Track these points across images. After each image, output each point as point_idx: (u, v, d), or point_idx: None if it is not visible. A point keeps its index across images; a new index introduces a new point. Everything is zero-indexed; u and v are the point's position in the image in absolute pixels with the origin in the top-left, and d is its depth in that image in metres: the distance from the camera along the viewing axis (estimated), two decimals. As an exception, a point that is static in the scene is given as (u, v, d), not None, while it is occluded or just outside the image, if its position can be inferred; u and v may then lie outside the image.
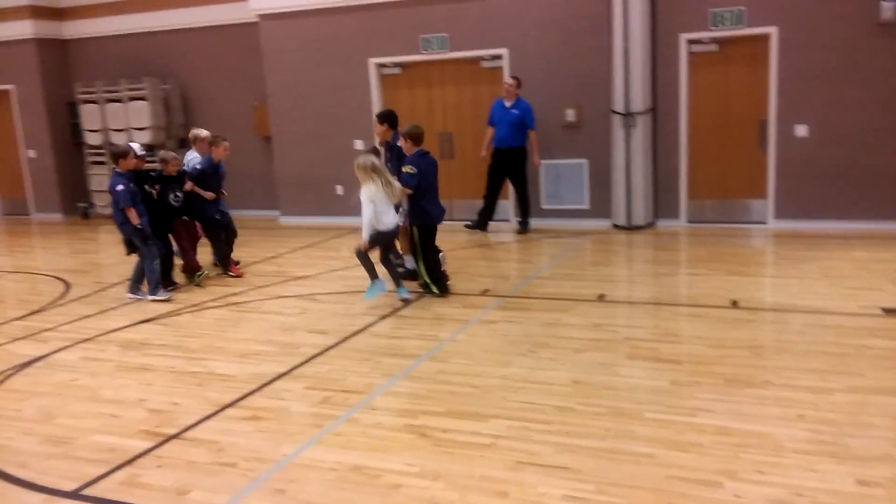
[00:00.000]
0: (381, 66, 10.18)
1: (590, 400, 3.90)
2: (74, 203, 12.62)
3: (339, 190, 10.56)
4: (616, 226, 9.01)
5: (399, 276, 6.35)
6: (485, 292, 6.31)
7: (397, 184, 6.15)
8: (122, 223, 6.62)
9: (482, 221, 9.38)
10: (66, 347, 5.38)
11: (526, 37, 9.27)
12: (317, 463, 3.41)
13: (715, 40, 8.61)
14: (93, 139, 11.93)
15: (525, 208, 9.26)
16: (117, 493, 3.22)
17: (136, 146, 6.97)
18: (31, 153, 12.76)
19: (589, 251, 8.08)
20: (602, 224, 9.14)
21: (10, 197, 13.34)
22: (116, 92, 11.69)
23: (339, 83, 10.34)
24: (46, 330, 5.86)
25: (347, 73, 10.26)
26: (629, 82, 8.64)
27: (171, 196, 7.02)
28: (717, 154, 8.84)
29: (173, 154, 7.27)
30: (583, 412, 3.75)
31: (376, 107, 10.19)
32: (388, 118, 7.16)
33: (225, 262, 7.57)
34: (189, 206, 7.20)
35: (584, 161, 9.27)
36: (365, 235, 6.00)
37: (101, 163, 12.02)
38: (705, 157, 8.89)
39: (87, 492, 3.25)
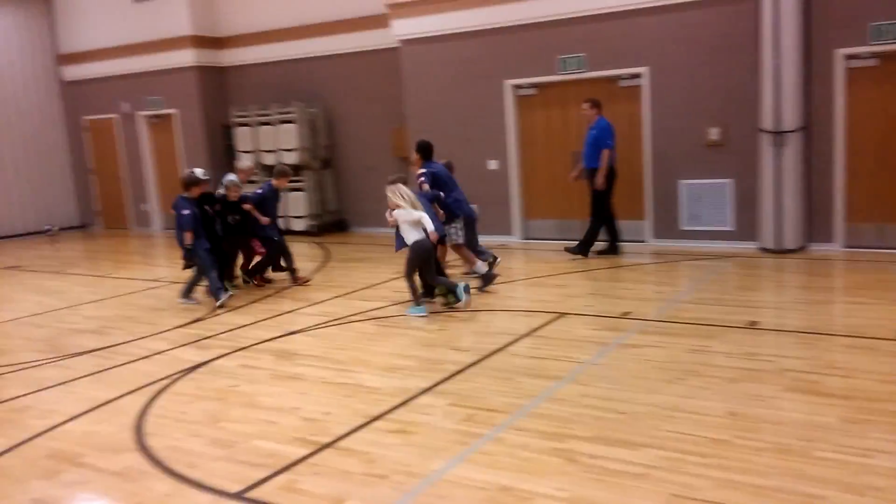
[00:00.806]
0: (518, 87, 10.24)
1: (749, 434, 3.71)
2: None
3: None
4: (764, 249, 8.57)
5: (451, 283, 6.83)
6: (625, 315, 6.17)
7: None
8: (183, 242, 7.49)
9: (584, 246, 8.98)
10: (225, 355, 5.73)
11: (666, 54, 9.05)
12: (465, 481, 3.44)
13: (875, 55, 8.05)
14: (245, 160, 12.71)
15: (590, 232, 8.88)
16: (278, 498, 3.38)
17: (199, 171, 7.85)
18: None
19: (735, 275, 7.73)
20: (747, 247, 8.72)
21: (167, 212, 14.43)
22: (267, 115, 12.43)
23: (475, 104, 10.49)
24: (207, 337, 6.27)
25: (483, 95, 10.39)
26: (780, 100, 8.23)
27: (230, 217, 8.00)
28: (877, 174, 8.23)
29: (236, 182, 8.21)
30: (742, 446, 3.56)
31: (511, 128, 10.27)
32: (421, 149, 7.83)
33: (258, 273, 8.42)
34: (245, 226, 8.08)
35: (728, 181, 8.90)
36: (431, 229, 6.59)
37: (253, 181, 12.77)
38: (864, 177, 8.30)
39: (250, 494, 3.43)
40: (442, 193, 7.49)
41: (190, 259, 7.63)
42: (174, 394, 4.91)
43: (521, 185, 10.50)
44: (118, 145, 14.64)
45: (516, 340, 5.71)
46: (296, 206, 12.50)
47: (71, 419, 4.52)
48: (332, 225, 12.72)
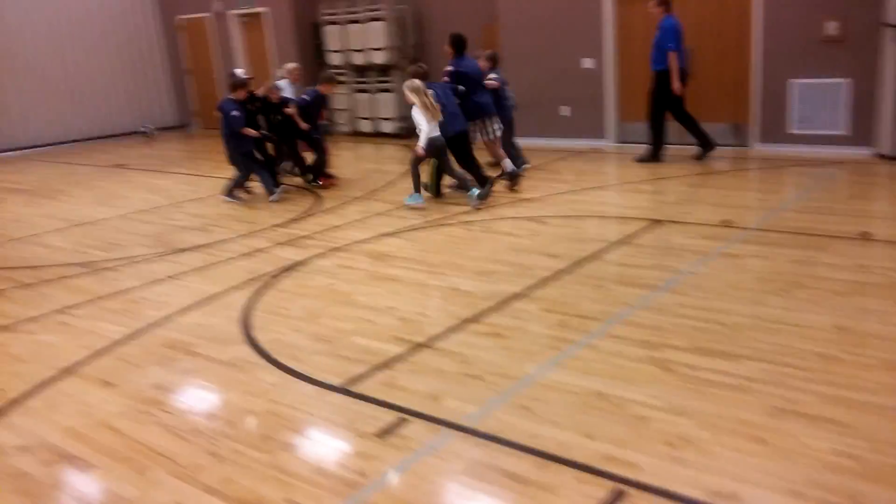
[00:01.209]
0: (618, -22, 9.66)
1: (858, 349, 3.57)
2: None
3: (565, 111, 10.37)
4: (880, 155, 8.00)
5: (467, 181, 7.27)
6: (726, 223, 5.94)
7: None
8: (230, 142, 7.89)
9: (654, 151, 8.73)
10: (322, 254, 5.90)
11: (786, -61, 8.29)
12: (559, 385, 3.48)
13: None
14: (334, 59, 12.68)
15: (654, 137, 8.63)
16: (379, 392, 3.51)
17: (240, 72, 8.42)
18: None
19: (846, 182, 7.28)
20: (862, 153, 8.16)
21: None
22: (356, 13, 12.24)
23: (571, -1, 10.01)
24: (304, 237, 6.45)
25: (583, -13, 9.86)
26: (911, -11, 7.47)
27: (271, 117, 8.26)
28: None
29: (277, 85, 8.67)
30: (851, 362, 3.44)
31: (608, 23, 9.77)
32: (454, 42, 7.90)
33: (320, 173, 8.66)
34: (286, 127, 8.31)
35: (844, 80, 8.25)
36: (422, 143, 7.03)
37: (342, 82, 12.77)
38: None
39: (352, 388, 3.58)
40: (462, 88, 7.58)
41: (235, 159, 8.03)
42: (276, 290, 5.11)
43: (618, 86, 10.07)
44: (212, 45, 14.82)
45: (610, 247, 5.61)
46: (384, 108, 12.45)
47: (182, 311, 4.80)
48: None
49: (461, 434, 3.11)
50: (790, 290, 4.41)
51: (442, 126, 7.15)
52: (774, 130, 8.83)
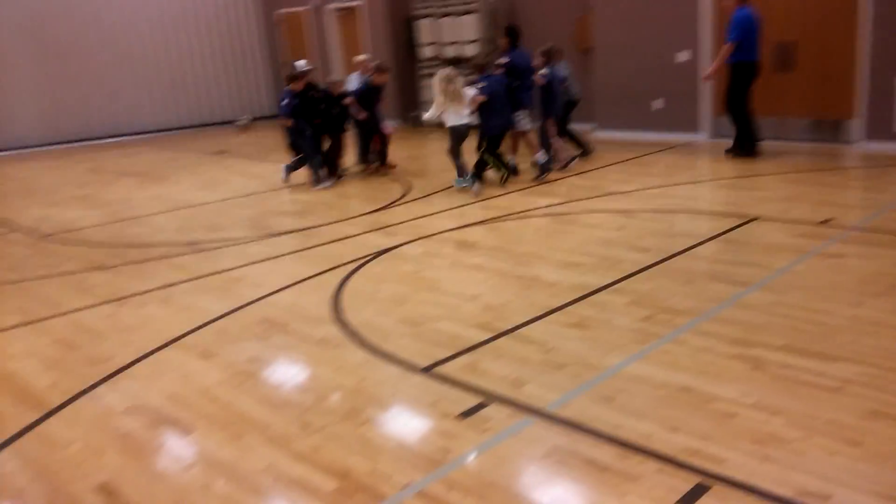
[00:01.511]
0: (723, -33, 9.37)
1: (967, 356, 3.38)
2: (407, 112, 13.81)
3: (658, 104, 10.16)
4: None
5: (470, 168, 7.76)
6: (826, 222, 5.71)
7: (469, 93, 7.57)
8: (287, 129, 8.44)
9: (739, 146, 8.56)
10: (409, 242, 6.02)
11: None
12: (644, 377, 3.45)
13: None
14: (426, 52, 12.83)
15: (738, 132, 8.47)
16: (462, 375, 3.58)
17: (301, 63, 8.91)
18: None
19: (962, 185, 6.85)
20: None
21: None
22: (450, 6, 12.34)
23: (672, -11, 9.77)
24: (393, 225, 6.59)
25: (682, -22, 9.62)
26: None
27: (333, 108, 8.70)
28: None
29: (339, 79, 9.32)
30: (958, 369, 3.27)
31: (705, 15, 9.50)
32: (509, 32, 8.47)
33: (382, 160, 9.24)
34: (342, 119, 8.82)
35: (964, 77, 7.75)
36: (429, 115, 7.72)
37: (432, 75, 12.90)
38: None
39: (436, 370, 3.66)
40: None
41: (294, 145, 8.57)
42: (365, 275, 5.26)
43: (714, 78, 9.77)
44: (308, 38, 15.25)
45: (701, 243, 5.49)
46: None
47: (277, 291, 5.00)
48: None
49: (542, 420, 3.13)
50: (892, 293, 4.20)
51: (486, 119, 7.67)
52: (881, 128, 8.38)
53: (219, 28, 15.56)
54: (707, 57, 9.63)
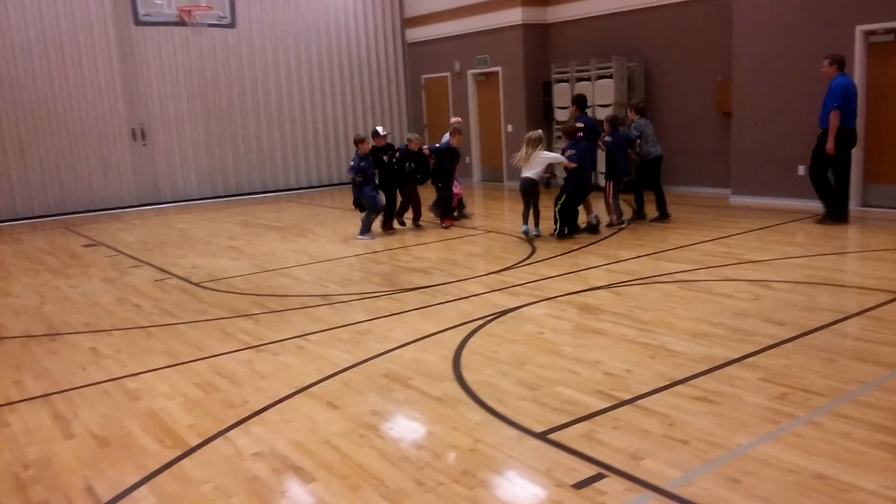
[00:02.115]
0: (870, 33, 8.96)
1: None
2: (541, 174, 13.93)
3: (802, 170, 9.71)
4: None
5: (535, 219, 8.95)
6: None
7: (549, 155, 8.84)
8: (354, 188, 9.52)
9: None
10: (532, 303, 6.04)
11: None
12: (774, 460, 3.26)
13: None
14: (561, 115, 12.99)
15: (822, 196, 8.72)
16: (578, 444, 3.53)
17: (379, 129, 9.84)
18: (510, 128, 14.44)
19: None
20: None
21: (490, 165, 15.34)
22: (586, 71, 12.49)
23: (815, 54, 9.38)
24: (517, 285, 6.64)
25: (827, 43, 9.25)
26: None
27: (407, 165, 9.81)
28: None
29: (417, 136, 10.20)
30: None
31: (860, 81, 9.04)
32: (577, 101, 9.57)
33: (445, 213, 10.24)
34: (422, 173, 10.00)
35: None
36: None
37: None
38: None
39: (552, 436, 3.63)
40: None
41: (359, 203, 9.62)
42: (487, 334, 5.32)
43: (863, 145, 9.24)
44: (449, 102, 15.86)
45: (845, 319, 5.15)
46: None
47: (402, 345, 5.16)
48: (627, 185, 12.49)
49: (661, 498, 3.02)
50: None
51: (571, 181, 8.69)
52: None
53: (371, 92, 16.50)
54: (860, 123, 9.15)
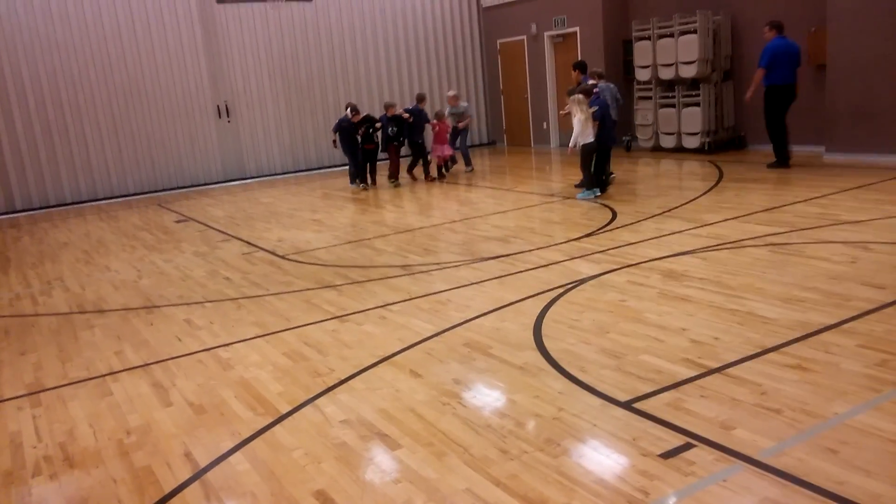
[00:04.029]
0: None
1: None
2: (620, 136, 13.59)
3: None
4: None
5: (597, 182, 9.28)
6: None
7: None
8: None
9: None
10: (614, 270, 5.93)
11: None
12: (873, 430, 3.11)
13: None
14: (642, 74, 12.59)
15: (774, 144, 9.97)
16: (664, 413, 3.46)
17: (348, 110, 11.87)
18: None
19: None
20: None
21: (568, 130, 15.01)
22: (669, 27, 12.02)
23: (919, -4, 8.77)
24: (598, 252, 6.53)
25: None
26: None
27: (390, 129, 12.00)
28: None
29: (394, 103, 12.30)
30: None
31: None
32: (579, 66, 10.04)
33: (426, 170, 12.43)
34: (403, 135, 12.16)
35: None
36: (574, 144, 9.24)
37: (649, 98, 12.63)
38: None
39: (637, 405, 3.57)
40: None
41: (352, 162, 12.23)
42: (567, 302, 5.26)
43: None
44: (525, 66, 15.59)
45: (953, 281, 4.84)
46: (690, 122, 12.04)
47: (482, 315, 5.17)
48: (727, 142, 12.01)
49: (754, 468, 2.94)
50: None
51: (605, 135, 9.10)
52: None
53: (446, 58, 16.42)
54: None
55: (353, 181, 12.28)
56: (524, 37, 15.41)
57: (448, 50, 16.44)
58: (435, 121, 12.21)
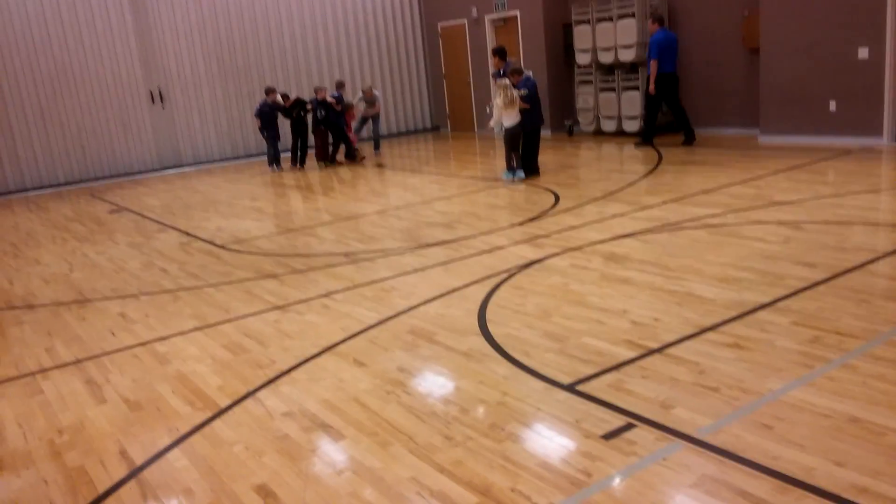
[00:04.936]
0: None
1: None
2: (561, 121, 13.71)
3: (833, 106, 9.42)
4: None
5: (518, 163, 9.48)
6: None
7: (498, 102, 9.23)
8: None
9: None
10: (557, 254, 5.97)
11: None
12: (807, 405, 3.20)
13: None
14: (582, 59, 12.69)
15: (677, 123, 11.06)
16: (606, 395, 3.50)
17: (279, 97, 12.78)
18: (530, 73, 14.12)
19: None
20: None
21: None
22: (608, 11, 12.13)
23: (847, -18, 9.04)
24: (541, 236, 6.57)
25: (859, -31, 8.88)
26: None
27: (318, 112, 12.42)
28: None
29: (324, 87, 12.92)
30: None
31: (891, 7, 8.67)
32: (499, 52, 10.00)
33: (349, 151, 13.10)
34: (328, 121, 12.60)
35: None
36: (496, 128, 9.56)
37: (589, 82, 12.75)
38: None
39: (580, 388, 3.60)
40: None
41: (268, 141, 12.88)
42: (512, 287, 5.28)
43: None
44: (467, 50, 15.55)
45: (878, 258, 5.02)
46: (630, 106, 12.20)
47: (426, 301, 5.14)
48: (666, 126, 12.22)
49: (692, 446, 2.99)
50: None
51: (528, 119, 9.23)
52: None
53: (387, 43, 16.23)
54: (891, 53, 8.81)
55: (270, 164, 12.95)
56: (465, 20, 15.36)
57: (388, 34, 16.27)
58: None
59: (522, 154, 9.46)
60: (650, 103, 11.03)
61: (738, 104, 11.19)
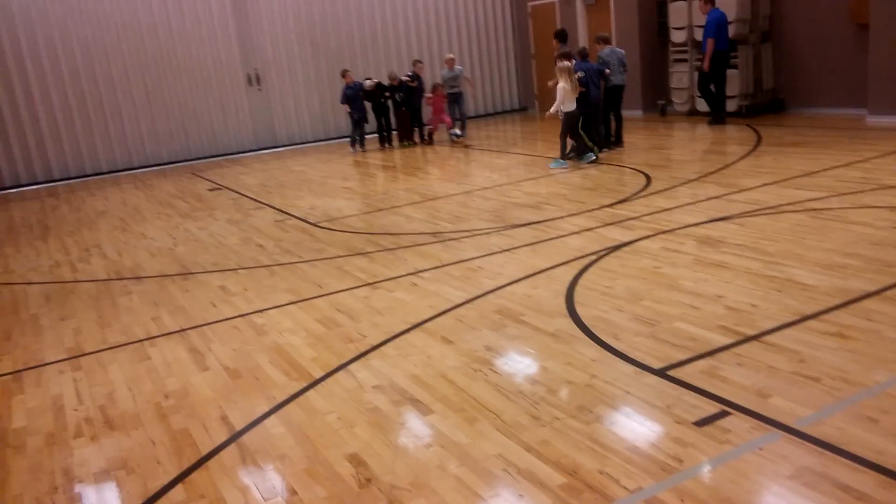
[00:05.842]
0: None
1: None
2: (654, 100, 13.33)
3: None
4: None
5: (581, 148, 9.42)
6: None
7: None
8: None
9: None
10: (648, 236, 5.84)
11: None
12: (917, 400, 3.04)
13: None
14: (677, 37, 12.27)
15: (710, 105, 11.28)
16: (699, 381, 3.42)
17: (369, 82, 12.95)
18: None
19: None
20: None
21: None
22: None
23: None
24: (631, 218, 6.44)
25: None
26: None
27: (398, 95, 12.85)
28: None
29: (395, 73, 13.12)
30: None
31: None
32: (558, 36, 10.20)
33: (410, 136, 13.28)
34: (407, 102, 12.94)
35: None
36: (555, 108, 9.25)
37: (684, 60, 12.34)
38: None
39: (671, 373, 3.53)
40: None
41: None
42: (600, 269, 5.21)
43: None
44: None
45: None
46: (727, 85, 11.71)
47: (513, 282, 5.14)
48: (765, 106, 11.70)
49: (791, 437, 2.89)
50: None
51: (589, 100, 9.30)
52: None
53: (476, 23, 16.18)
54: None
55: (352, 145, 13.26)
56: (556, 0, 15.10)
57: (478, 14, 16.19)
58: (429, 94, 12.85)
59: (586, 128, 9.41)
60: (708, 81, 11.03)
61: (844, 83, 10.59)
